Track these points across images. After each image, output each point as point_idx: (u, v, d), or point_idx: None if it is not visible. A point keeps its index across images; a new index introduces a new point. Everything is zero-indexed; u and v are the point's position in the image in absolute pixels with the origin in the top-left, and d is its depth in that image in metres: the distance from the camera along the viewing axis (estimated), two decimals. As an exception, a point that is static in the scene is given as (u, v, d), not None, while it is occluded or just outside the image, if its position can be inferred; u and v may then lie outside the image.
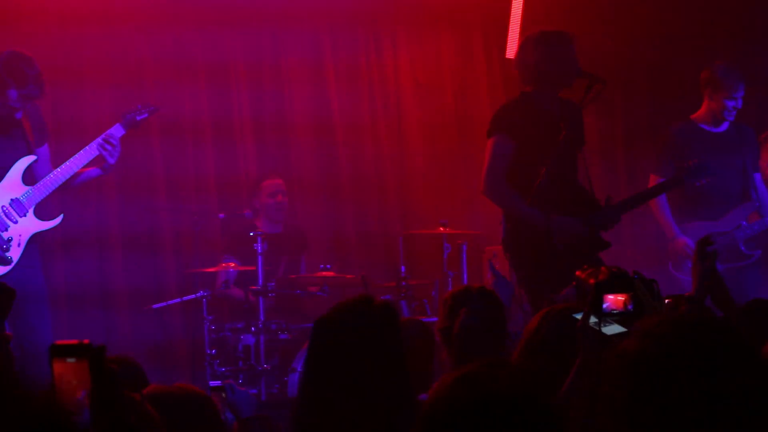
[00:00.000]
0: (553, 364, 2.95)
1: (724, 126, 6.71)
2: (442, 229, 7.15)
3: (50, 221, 5.77)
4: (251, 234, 6.62)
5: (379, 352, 2.70)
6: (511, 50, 7.40)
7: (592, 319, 2.83)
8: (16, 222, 5.64)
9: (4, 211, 5.62)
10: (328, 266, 6.89)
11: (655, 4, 8.14)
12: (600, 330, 2.79)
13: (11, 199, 5.64)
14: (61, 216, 5.80)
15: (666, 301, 3.72)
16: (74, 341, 2.01)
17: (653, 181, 6.65)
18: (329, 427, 2.64)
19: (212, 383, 6.08)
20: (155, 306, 6.83)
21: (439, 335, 3.93)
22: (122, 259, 7.31)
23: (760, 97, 7.40)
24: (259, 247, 6.55)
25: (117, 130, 5.79)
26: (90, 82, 7.41)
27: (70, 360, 1.99)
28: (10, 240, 5.61)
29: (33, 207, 5.68)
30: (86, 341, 2.01)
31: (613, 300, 2.84)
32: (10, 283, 5.46)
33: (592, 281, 2.99)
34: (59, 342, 2.02)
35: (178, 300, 6.82)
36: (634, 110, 8.29)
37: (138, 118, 5.89)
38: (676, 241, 6.66)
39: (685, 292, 4.10)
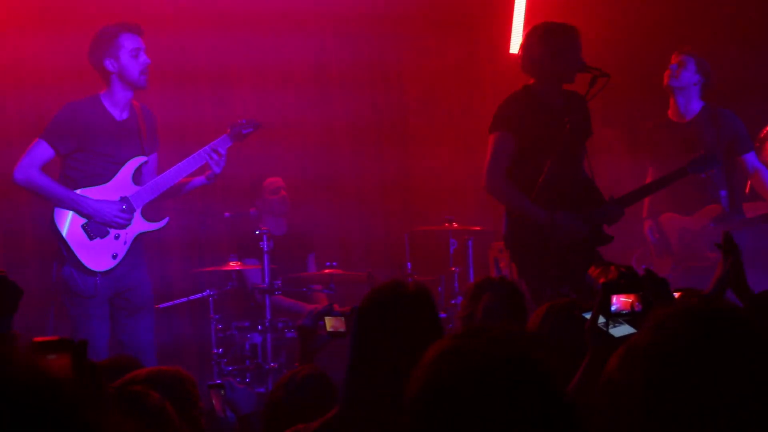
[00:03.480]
0: (556, 359, 2.95)
1: (691, 114, 6.71)
2: (447, 225, 7.15)
3: (156, 223, 5.83)
4: (257, 232, 6.63)
5: (420, 329, 2.80)
6: (515, 45, 7.40)
7: (601, 320, 2.82)
8: None
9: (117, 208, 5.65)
10: (334, 264, 6.89)
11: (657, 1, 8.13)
12: (608, 331, 2.78)
13: (121, 197, 5.68)
14: (167, 218, 5.88)
15: (676, 295, 3.71)
16: (55, 337, 2.03)
17: (651, 174, 6.75)
18: (377, 399, 2.70)
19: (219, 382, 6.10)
20: (162, 305, 6.83)
21: (461, 324, 3.97)
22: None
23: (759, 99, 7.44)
24: (265, 245, 6.55)
25: (224, 141, 5.86)
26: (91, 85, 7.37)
27: (51, 357, 2.00)
28: (117, 237, 5.66)
29: (140, 207, 5.72)
30: (66, 337, 2.03)
31: (622, 301, 2.84)
32: (114, 279, 5.57)
33: (602, 280, 2.99)
34: (39, 339, 2.03)
35: (184, 299, 6.82)
36: (636, 105, 8.27)
37: (244, 131, 5.94)
38: (644, 222, 6.83)
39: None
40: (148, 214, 5.79)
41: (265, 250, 6.56)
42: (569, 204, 5.44)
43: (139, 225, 5.74)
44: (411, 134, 8.28)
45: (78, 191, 5.58)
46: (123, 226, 5.65)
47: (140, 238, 5.78)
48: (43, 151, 5.59)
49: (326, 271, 6.86)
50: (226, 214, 7.28)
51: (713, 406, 1.67)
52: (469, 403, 1.68)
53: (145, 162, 5.77)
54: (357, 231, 8.05)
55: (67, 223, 5.57)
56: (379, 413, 2.70)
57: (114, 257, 5.64)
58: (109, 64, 5.64)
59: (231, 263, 6.73)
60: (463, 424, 1.67)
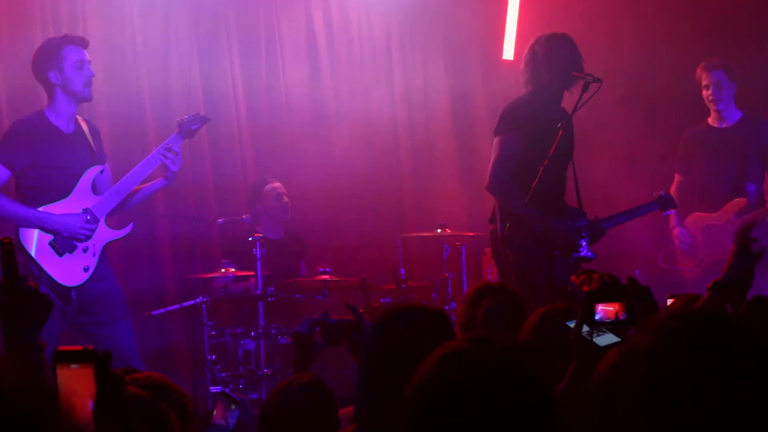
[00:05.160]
0: (550, 364, 2.94)
1: (731, 121, 6.95)
2: (440, 231, 7.15)
3: (121, 230, 5.80)
4: (250, 239, 6.62)
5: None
6: (507, 51, 7.42)
7: (585, 329, 2.81)
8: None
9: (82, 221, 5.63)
10: (328, 270, 6.89)
11: (652, 4, 8.13)
12: (592, 340, 2.78)
13: (83, 209, 5.64)
14: (131, 225, 5.84)
15: (669, 301, 3.71)
16: (78, 347, 2.01)
17: (677, 180, 7.01)
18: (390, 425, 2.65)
19: (213, 389, 6.07)
20: (155, 312, 6.83)
21: (461, 329, 3.97)
22: (122, 266, 7.29)
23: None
24: (257, 251, 6.54)
25: (176, 139, 5.83)
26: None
27: (74, 366, 1.99)
28: (86, 249, 5.63)
29: (104, 216, 5.69)
30: (90, 347, 2.02)
31: (606, 309, 2.83)
32: (85, 294, 5.55)
33: (585, 288, 2.98)
34: (62, 348, 2.02)
35: (177, 306, 6.81)
36: (633, 111, 8.27)
37: (193, 127, 5.91)
38: (673, 230, 7.02)
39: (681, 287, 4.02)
40: (112, 223, 5.78)
41: (258, 256, 6.56)
42: (557, 213, 5.51)
43: (104, 234, 5.71)
44: (404, 140, 8.28)
45: (40, 209, 5.54)
46: (89, 237, 5.62)
47: (107, 249, 5.76)
48: None
49: (319, 276, 6.85)
50: (219, 220, 7.27)
51: (713, 409, 1.67)
52: (467, 408, 1.70)
53: (101, 171, 5.75)
54: (350, 237, 8.05)
55: (34, 242, 5.52)
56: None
57: (86, 270, 5.61)
58: (53, 76, 5.60)
59: (223, 270, 6.73)
60: (459, 427, 1.69)
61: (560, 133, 5.44)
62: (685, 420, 1.67)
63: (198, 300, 6.58)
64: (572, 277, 2.95)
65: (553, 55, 5.61)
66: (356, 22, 8.22)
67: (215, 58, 7.78)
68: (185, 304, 6.74)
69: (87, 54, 5.68)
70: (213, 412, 3.64)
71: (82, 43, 5.69)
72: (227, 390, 3.86)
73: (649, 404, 1.71)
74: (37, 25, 7.14)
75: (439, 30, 8.34)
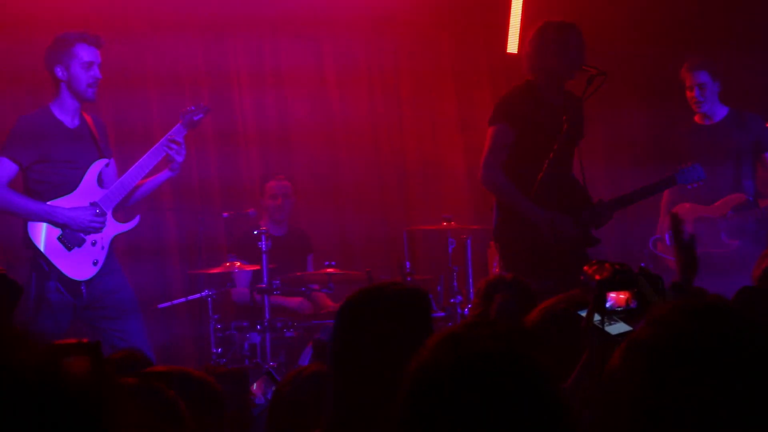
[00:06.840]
0: (552, 357, 2.93)
1: (719, 117, 6.93)
2: (446, 224, 7.15)
3: (128, 223, 5.81)
4: (255, 233, 6.63)
5: (408, 336, 2.58)
6: (512, 44, 7.41)
7: (596, 317, 2.82)
8: None
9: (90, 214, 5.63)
10: (333, 263, 6.89)
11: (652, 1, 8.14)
12: (603, 328, 2.78)
13: (90, 203, 5.64)
14: (138, 217, 5.84)
15: None
16: (73, 340, 2.02)
17: None
18: (359, 409, 2.60)
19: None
20: (161, 306, 6.83)
21: None
22: (127, 260, 7.28)
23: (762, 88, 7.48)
24: (263, 245, 6.55)
25: (179, 130, 5.84)
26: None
27: (71, 359, 2.00)
28: (94, 243, 5.64)
29: (111, 209, 5.70)
30: (85, 340, 2.03)
31: (617, 297, 2.83)
32: (94, 288, 5.55)
33: (597, 277, 2.98)
34: (58, 341, 2.02)
35: (183, 299, 6.82)
36: (631, 108, 8.27)
37: (195, 118, 5.91)
38: (665, 217, 7.03)
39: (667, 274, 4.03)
40: (119, 216, 5.78)
41: (264, 249, 6.56)
42: (561, 204, 5.48)
43: (112, 228, 5.72)
44: (408, 134, 8.28)
45: (48, 203, 5.53)
46: (99, 230, 5.63)
47: (114, 242, 5.77)
48: (6, 167, 5.52)
49: (325, 270, 6.86)
50: (225, 214, 7.28)
51: (713, 399, 1.67)
52: (460, 390, 1.70)
53: (107, 164, 5.75)
54: (355, 230, 8.06)
55: (43, 236, 5.52)
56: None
57: (95, 264, 5.62)
58: (59, 71, 5.60)
59: (228, 264, 6.73)
60: (453, 410, 1.69)
61: (565, 125, 5.41)
62: (686, 410, 1.68)
63: (204, 293, 6.60)
64: (585, 267, 2.95)
65: (562, 42, 5.56)
66: (360, 18, 8.21)
67: (220, 52, 7.79)
68: (191, 297, 6.75)
69: (99, 55, 5.67)
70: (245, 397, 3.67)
71: (96, 42, 5.67)
72: (270, 369, 3.86)
73: (650, 395, 1.71)
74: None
75: (443, 23, 8.34)
